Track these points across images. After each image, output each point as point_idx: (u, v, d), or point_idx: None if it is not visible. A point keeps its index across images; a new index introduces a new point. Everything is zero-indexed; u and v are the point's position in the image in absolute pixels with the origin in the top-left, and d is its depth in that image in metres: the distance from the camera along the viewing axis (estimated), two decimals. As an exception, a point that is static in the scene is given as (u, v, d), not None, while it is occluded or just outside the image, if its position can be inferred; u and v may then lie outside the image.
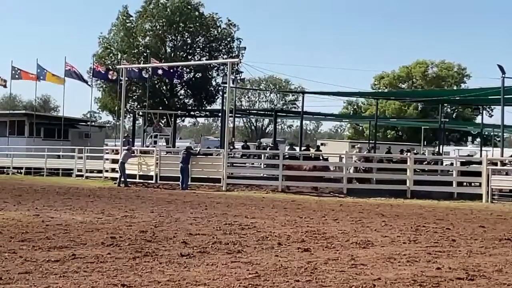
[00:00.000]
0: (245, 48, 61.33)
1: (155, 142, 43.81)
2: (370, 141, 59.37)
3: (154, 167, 36.52)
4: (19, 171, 46.54)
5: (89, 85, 55.21)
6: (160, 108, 54.09)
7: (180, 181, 34.53)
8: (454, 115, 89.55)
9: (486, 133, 76.01)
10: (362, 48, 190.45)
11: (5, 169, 46.91)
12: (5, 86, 55.09)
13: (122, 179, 35.86)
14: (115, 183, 36.39)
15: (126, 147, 37.59)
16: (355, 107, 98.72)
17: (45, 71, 52.48)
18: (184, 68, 58.39)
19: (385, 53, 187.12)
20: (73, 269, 10.42)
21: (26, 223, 16.41)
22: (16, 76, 53.13)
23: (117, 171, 37.19)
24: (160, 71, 50.57)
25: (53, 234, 14.38)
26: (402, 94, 74.99)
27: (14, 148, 48.86)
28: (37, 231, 14.86)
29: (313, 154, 44.34)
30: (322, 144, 70.08)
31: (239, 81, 57.66)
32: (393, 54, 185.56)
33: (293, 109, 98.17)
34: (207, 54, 60.05)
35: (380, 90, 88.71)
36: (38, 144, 49.34)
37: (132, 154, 37.06)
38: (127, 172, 36.09)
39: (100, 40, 60.15)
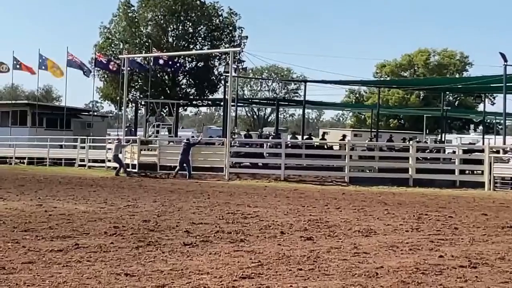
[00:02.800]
0: (247, 37, 61.22)
1: (158, 132, 43.85)
2: (372, 130, 59.34)
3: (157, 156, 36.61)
4: (21, 161, 46.55)
5: (88, 76, 55.12)
6: (162, 97, 54.05)
7: (180, 170, 34.36)
8: (456, 103, 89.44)
9: (488, 121, 76.00)
10: (364, 36, 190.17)
11: (7, 159, 46.95)
12: (8, 70, 54.93)
13: (122, 170, 35.96)
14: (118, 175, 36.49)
15: (116, 139, 37.81)
16: (357, 95, 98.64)
17: (47, 61, 52.42)
18: (186, 58, 58.32)
19: (387, 41, 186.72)
20: (76, 258, 10.43)
21: (29, 213, 16.44)
22: (17, 66, 53.13)
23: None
24: (161, 61, 50.55)
25: (56, 224, 14.40)
26: (404, 83, 74.90)
27: (17, 138, 48.86)
28: (40, 221, 14.88)
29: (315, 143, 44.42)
30: (325, 132, 69.98)
31: (241, 70, 57.47)
32: (395, 42, 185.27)
33: (295, 98, 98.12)
34: (209, 43, 59.92)
35: (382, 79, 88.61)
36: (40, 134, 49.38)
37: (123, 144, 37.21)
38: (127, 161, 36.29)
39: (101, 30, 60.08)
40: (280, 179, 33.82)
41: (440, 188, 30.94)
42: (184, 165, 34.30)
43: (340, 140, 44.61)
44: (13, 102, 58.46)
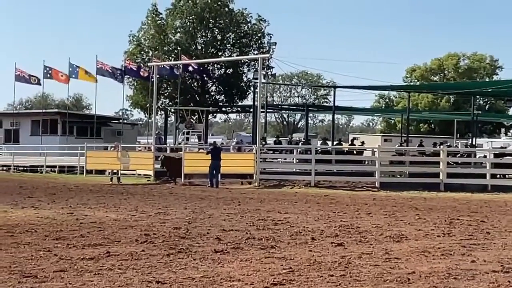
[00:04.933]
0: (275, 43, 61.07)
1: (188, 139, 43.96)
2: (403, 135, 59.09)
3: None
4: (52, 170, 46.79)
5: (120, 82, 55.38)
6: (192, 104, 54.15)
7: (209, 178, 34.01)
8: (487, 107, 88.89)
9: (519, 124, 75.44)
10: (394, 41, 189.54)
11: (38, 168, 47.24)
12: (38, 83, 55.52)
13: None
14: (148, 180, 36.68)
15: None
16: (387, 100, 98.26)
17: (77, 69, 52.70)
18: (215, 65, 58.46)
19: (416, 45, 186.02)
20: (108, 266, 10.48)
21: (61, 221, 16.53)
22: (48, 75, 53.47)
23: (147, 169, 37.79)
24: (190, 68, 50.79)
25: (87, 232, 14.48)
26: (434, 87, 74.52)
27: (48, 147, 49.13)
28: (72, 229, 14.96)
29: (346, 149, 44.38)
30: (354, 138, 69.85)
31: (270, 76, 57.45)
32: (424, 47, 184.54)
33: (325, 104, 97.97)
34: (238, 50, 59.87)
35: (412, 83, 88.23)
36: (71, 142, 49.63)
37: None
38: None
39: (131, 38, 60.34)
40: (310, 185, 33.76)
41: (472, 193, 30.77)
42: (214, 171, 33.79)
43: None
44: (44, 111, 58.83)
